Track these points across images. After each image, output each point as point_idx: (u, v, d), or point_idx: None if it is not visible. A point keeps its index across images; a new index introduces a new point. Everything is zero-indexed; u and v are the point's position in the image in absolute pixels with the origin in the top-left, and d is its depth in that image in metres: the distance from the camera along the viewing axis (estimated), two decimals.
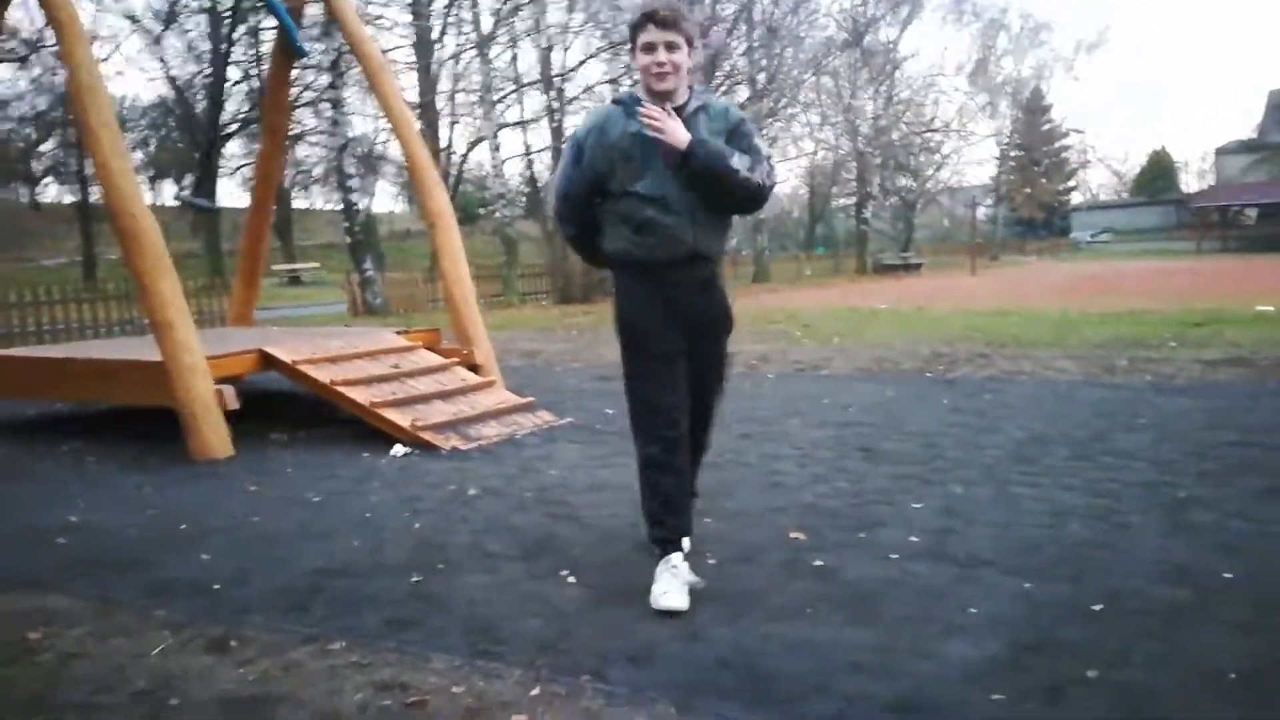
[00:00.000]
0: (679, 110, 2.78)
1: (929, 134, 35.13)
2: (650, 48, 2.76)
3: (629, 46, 2.90)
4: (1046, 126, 48.71)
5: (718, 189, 2.77)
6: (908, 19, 33.09)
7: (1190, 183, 56.51)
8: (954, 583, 2.92)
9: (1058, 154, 50.69)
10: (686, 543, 2.92)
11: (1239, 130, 55.53)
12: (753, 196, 2.83)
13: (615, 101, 2.92)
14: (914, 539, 3.36)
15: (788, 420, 5.60)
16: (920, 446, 4.84)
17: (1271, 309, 11.04)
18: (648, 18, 2.76)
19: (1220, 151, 53.32)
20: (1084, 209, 55.30)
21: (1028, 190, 44.89)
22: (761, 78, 25.96)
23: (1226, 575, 2.91)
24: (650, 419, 2.90)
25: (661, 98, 2.78)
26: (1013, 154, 44.30)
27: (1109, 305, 12.46)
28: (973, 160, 43.02)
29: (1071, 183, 54.37)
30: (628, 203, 2.82)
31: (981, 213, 44.32)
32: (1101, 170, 58.80)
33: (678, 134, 2.70)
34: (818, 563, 3.14)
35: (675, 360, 2.90)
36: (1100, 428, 5.20)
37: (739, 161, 2.75)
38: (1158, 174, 56.37)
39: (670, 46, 2.75)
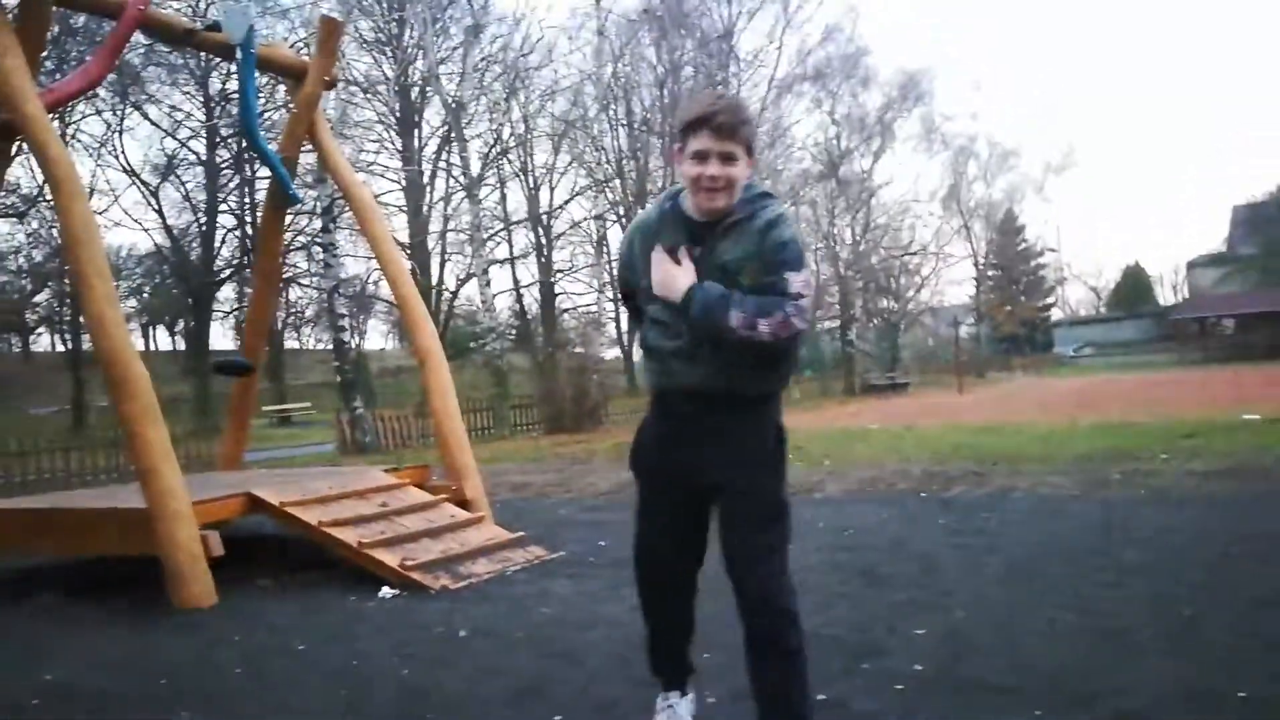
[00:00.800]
0: (717, 223, 2.37)
1: (907, 257, 36.06)
2: (702, 157, 2.30)
3: (676, 146, 2.42)
4: (1021, 246, 50.13)
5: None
6: (880, 150, 34.45)
7: (1165, 295, 57.87)
8: (965, 712, 2.82)
9: (1034, 272, 52.00)
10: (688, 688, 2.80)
11: (1208, 244, 57.23)
12: (759, 351, 2.32)
13: (665, 199, 2.52)
14: (919, 667, 3.27)
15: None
16: (920, 569, 4.76)
17: (1257, 417, 11.10)
18: (704, 121, 2.29)
19: (1191, 265, 54.74)
20: (1064, 324, 56.23)
21: (1008, 308, 45.80)
22: None
23: (1241, 694, 2.83)
24: (637, 554, 2.77)
25: (709, 215, 2.37)
26: (990, 273, 45.42)
27: (1097, 419, 12.52)
28: (952, 280, 44.21)
29: (1050, 299, 55.56)
30: (645, 325, 2.52)
31: (964, 331, 45.03)
32: (1078, 286, 60.27)
33: (674, 284, 2.35)
34: (821, 696, 3.03)
35: (671, 498, 2.59)
36: (1098, 543, 5.15)
37: (738, 315, 2.26)
38: (1133, 288, 57.67)
39: (726, 158, 2.29)
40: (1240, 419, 11.04)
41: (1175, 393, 18.38)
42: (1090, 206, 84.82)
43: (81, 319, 21.26)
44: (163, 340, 47.40)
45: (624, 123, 29.31)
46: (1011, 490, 7.26)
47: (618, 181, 29.27)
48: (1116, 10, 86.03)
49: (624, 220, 32.04)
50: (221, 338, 35.62)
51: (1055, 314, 56.84)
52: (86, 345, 29.03)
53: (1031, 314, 50.02)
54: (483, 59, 25.73)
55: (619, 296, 2.68)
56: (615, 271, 2.78)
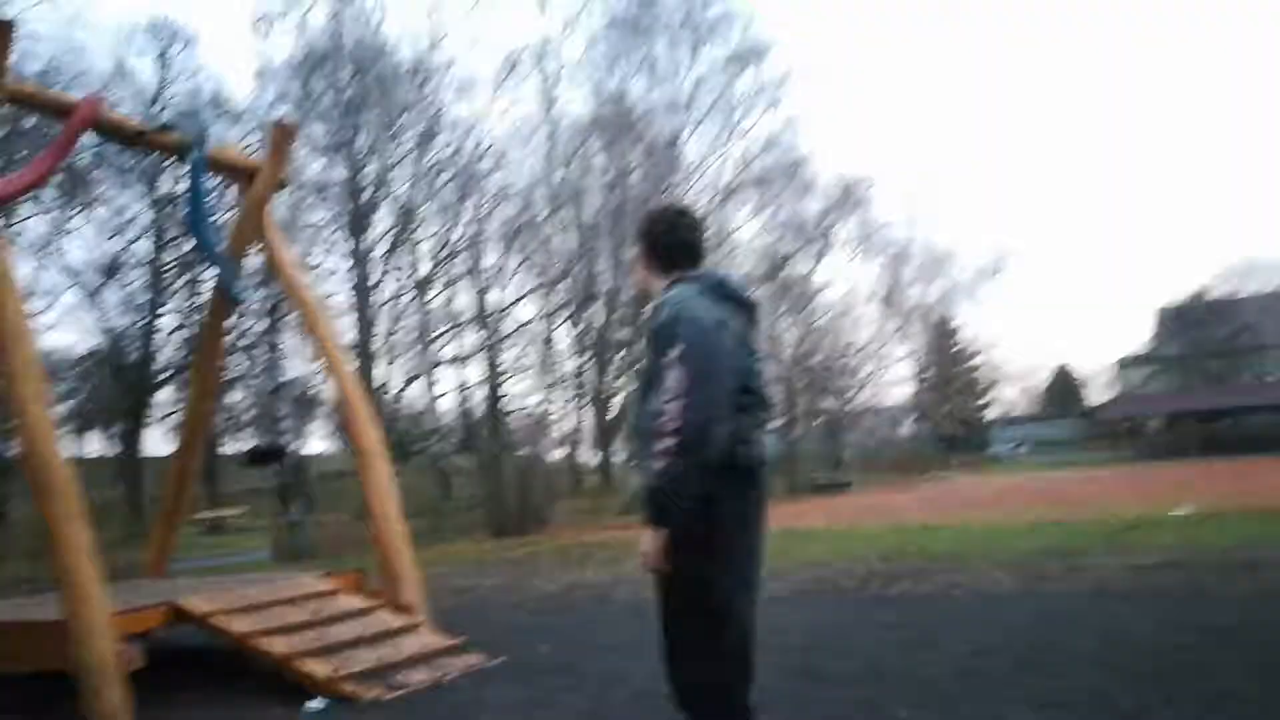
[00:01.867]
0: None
1: (847, 358, 36.78)
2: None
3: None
4: (956, 348, 51.46)
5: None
6: (820, 253, 35.52)
7: (1095, 394, 59.54)
8: None
9: (969, 373, 53.25)
10: None
11: (1134, 344, 59.43)
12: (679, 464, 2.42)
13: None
14: None
15: None
16: (863, 667, 4.72)
17: (1188, 512, 11.37)
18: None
19: (1121, 364, 56.68)
20: (1000, 423, 57.41)
21: (946, 407, 46.66)
22: None
23: None
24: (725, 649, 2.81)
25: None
26: (928, 374, 46.39)
27: (1035, 515, 12.70)
28: (892, 380, 44.86)
29: (986, 399, 56.78)
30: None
31: (904, 430, 45.71)
32: (1012, 386, 61.75)
33: (646, 545, 2.58)
34: None
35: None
36: (1040, 638, 5.17)
37: (656, 463, 2.43)
38: (1063, 388, 59.32)
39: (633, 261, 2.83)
40: (1172, 514, 11.30)
41: (1109, 489, 18.77)
42: (1021, 308, 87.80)
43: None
44: (97, 445, 45.87)
45: (573, 225, 29.88)
46: (954, 587, 7.28)
47: (566, 282, 29.63)
48: (1042, 124, 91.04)
49: (572, 320, 32.33)
50: (156, 442, 34.63)
51: (991, 413, 58.07)
52: (12, 451, 28.00)
53: (968, 413, 51.03)
54: (434, 164, 26.20)
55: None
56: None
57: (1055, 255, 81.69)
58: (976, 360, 53.13)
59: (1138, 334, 76.88)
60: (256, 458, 8.06)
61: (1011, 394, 61.76)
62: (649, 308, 2.66)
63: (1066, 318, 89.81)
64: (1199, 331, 49.02)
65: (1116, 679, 4.18)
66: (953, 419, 47.20)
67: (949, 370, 48.58)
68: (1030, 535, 10.19)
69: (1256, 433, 38.56)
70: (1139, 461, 36.37)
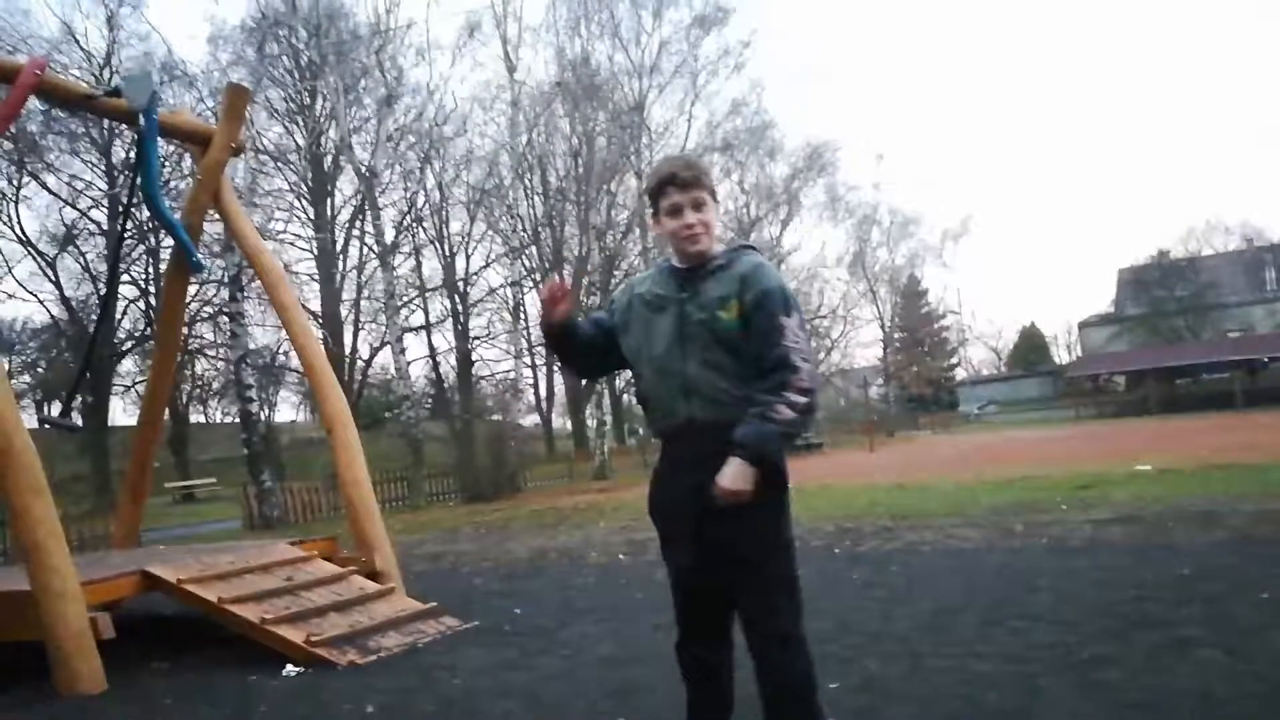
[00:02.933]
0: (701, 268, 2.52)
1: (817, 320, 36.98)
2: (676, 210, 2.51)
3: (649, 214, 2.65)
4: (925, 309, 51.93)
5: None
6: (788, 218, 35.54)
7: (1060, 354, 60.47)
8: None
9: (938, 334, 53.82)
10: None
11: (1097, 305, 60.31)
12: (803, 422, 2.42)
13: (657, 267, 2.68)
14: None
15: None
16: (833, 624, 4.80)
17: (1149, 467, 11.62)
18: (668, 181, 2.52)
19: (1083, 325, 57.52)
20: (968, 383, 58.16)
21: (914, 369, 47.16)
22: None
23: None
24: (677, 617, 2.65)
25: (696, 260, 2.53)
26: (897, 336, 46.81)
27: (1001, 473, 12.91)
28: (860, 343, 45.22)
29: (954, 359, 57.44)
30: (637, 378, 2.63)
31: (874, 391, 46.12)
32: (980, 347, 62.53)
33: (740, 482, 2.35)
34: None
35: (695, 540, 2.49)
36: (1004, 593, 5.28)
37: (784, 411, 2.35)
38: (1030, 348, 60.12)
39: (697, 205, 2.50)
40: (1134, 470, 11.54)
41: (1073, 447, 19.11)
42: (987, 271, 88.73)
43: None
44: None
45: (539, 191, 29.63)
46: (921, 544, 7.41)
47: (534, 249, 29.44)
48: (1006, 86, 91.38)
49: (539, 287, 32.19)
50: (122, 413, 34.16)
51: (959, 374, 58.76)
52: None
53: (936, 374, 51.62)
54: (396, 128, 25.78)
55: (550, 337, 2.73)
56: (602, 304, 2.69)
57: (1021, 217, 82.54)
58: (945, 321, 53.68)
59: (1102, 294, 77.90)
60: (53, 425, 7.97)
61: (979, 354, 62.63)
62: (719, 265, 2.50)
63: (1033, 279, 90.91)
64: (1161, 291, 49.84)
65: (1077, 630, 4.29)
66: (921, 379, 47.73)
67: (917, 331, 49.03)
68: (996, 493, 10.37)
69: (1216, 390, 39.40)
70: (1103, 419, 37.05)
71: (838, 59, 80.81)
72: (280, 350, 29.39)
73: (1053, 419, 39.57)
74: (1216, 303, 49.08)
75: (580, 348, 2.72)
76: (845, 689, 3.64)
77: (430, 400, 33.44)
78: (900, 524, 8.54)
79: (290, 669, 4.77)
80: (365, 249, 29.15)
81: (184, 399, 34.56)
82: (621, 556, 8.31)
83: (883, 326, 44.22)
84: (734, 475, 2.34)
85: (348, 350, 29.94)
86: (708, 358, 2.44)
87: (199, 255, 7.68)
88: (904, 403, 49.27)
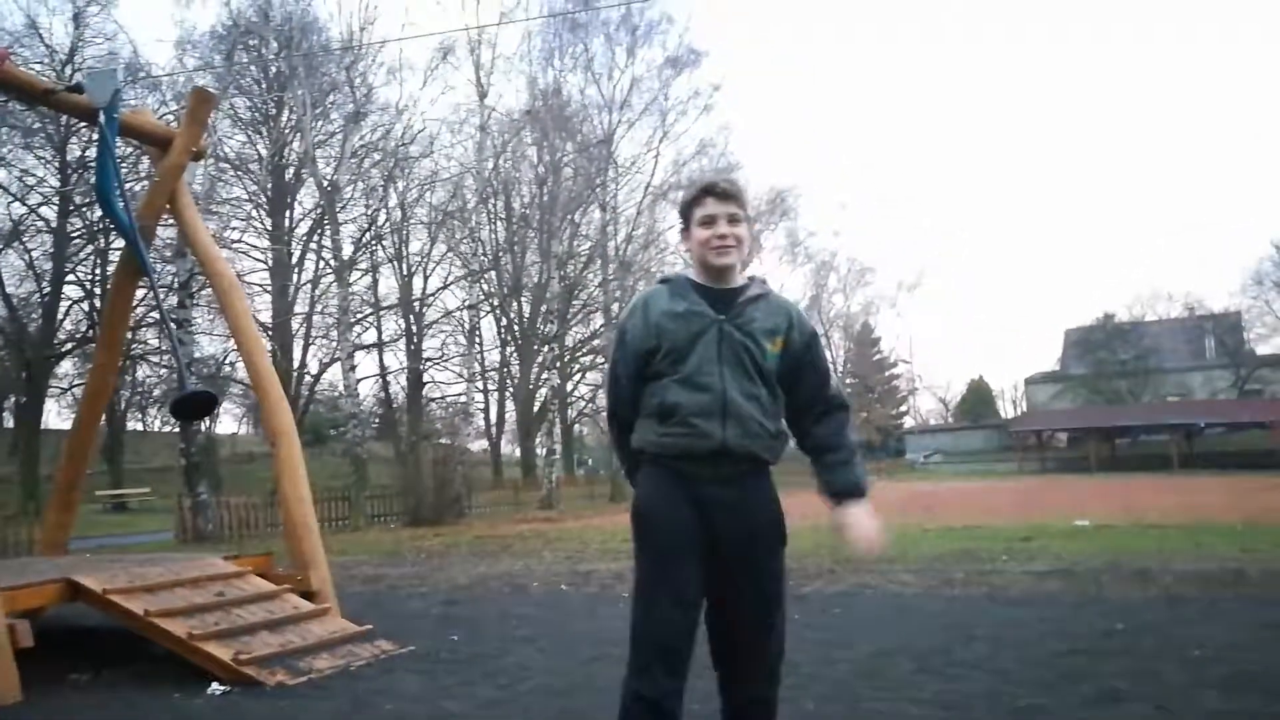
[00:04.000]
0: (735, 294, 2.48)
1: None
2: (710, 221, 2.47)
3: (681, 228, 2.61)
4: (877, 357, 52.73)
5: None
6: (748, 259, 35.90)
7: (1006, 409, 61.60)
8: None
9: (888, 382, 54.60)
10: None
11: (1043, 363, 61.74)
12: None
13: (662, 280, 2.61)
14: None
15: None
16: None
17: (1087, 523, 11.84)
18: (706, 191, 2.52)
19: (1029, 381, 58.74)
20: (915, 432, 58.96)
21: (864, 415, 47.74)
22: (615, 307, 27.24)
23: None
24: (641, 644, 2.41)
25: (721, 274, 2.49)
26: (849, 381, 47.39)
27: (944, 521, 13.06)
28: None
29: (903, 408, 58.31)
30: (659, 388, 2.45)
31: None
32: (929, 397, 63.52)
33: (869, 522, 2.51)
34: None
35: (690, 560, 2.39)
36: (942, 640, 5.31)
37: (851, 446, 2.57)
38: (977, 400, 61.18)
39: (733, 219, 2.48)
40: (1072, 525, 11.75)
41: (1015, 500, 19.41)
42: (939, 323, 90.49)
43: None
44: None
45: (502, 217, 29.62)
46: (863, 588, 7.45)
47: (493, 273, 29.36)
48: (964, 145, 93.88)
49: (498, 311, 32.08)
50: (56, 415, 33.18)
51: (907, 422, 59.58)
52: None
53: (886, 421, 52.29)
54: (362, 145, 25.66)
55: (609, 414, 2.66)
56: (608, 376, 2.63)
57: (974, 273, 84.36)
58: (896, 370, 54.46)
59: (1049, 352, 79.76)
60: (184, 408, 7.35)
61: (928, 404, 63.56)
62: (757, 294, 2.51)
63: (982, 334, 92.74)
64: (1104, 353, 51.15)
65: (1011, 680, 4.33)
66: (871, 426, 48.32)
67: (869, 379, 49.67)
68: (938, 540, 10.48)
69: (1154, 451, 40.40)
70: (1045, 474, 37.73)
71: (804, 107, 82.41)
72: (226, 361, 28.82)
73: (996, 471, 40.21)
74: (1157, 367, 50.48)
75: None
76: None
77: (377, 420, 32.99)
78: (844, 567, 8.58)
79: (216, 687, 4.62)
80: (322, 263, 28.83)
81: (122, 405, 33.69)
82: (564, 587, 8.23)
83: (835, 371, 44.71)
84: (871, 522, 2.50)
85: (296, 364, 29.45)
86: (747, 387, 2.41)
87: (149, 259, 7.52)
88: None
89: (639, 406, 2.51)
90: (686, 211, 2.55)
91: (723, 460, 2.39)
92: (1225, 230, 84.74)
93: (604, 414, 2.72)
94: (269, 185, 28.04)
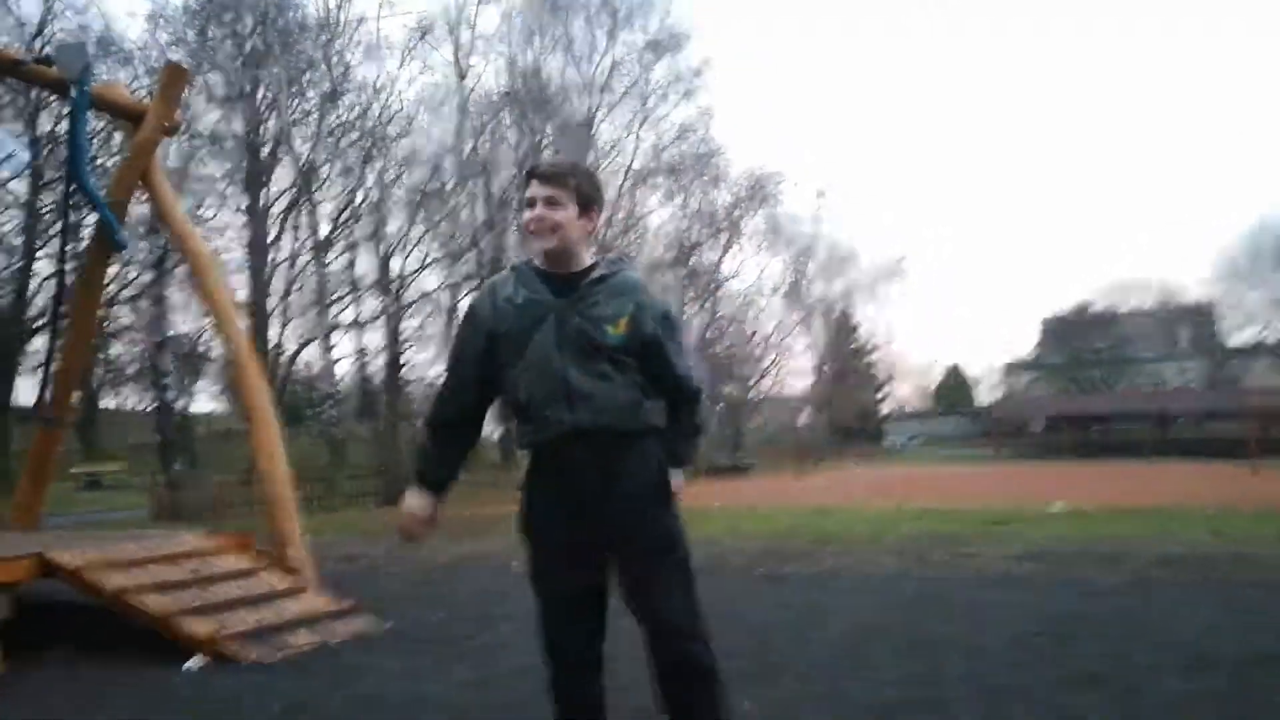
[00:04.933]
0: (579, 277, 2.47)
1: (751, 346, 37.40)
2: (530, 203, 2.47)
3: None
4: (856, 343, 52.87)
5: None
6: (728, 245, 35.92)
7: (983, 395, 62.09)
8: None
9: (867, 367, 54.82)
10: None
11: (1020, 350, 62.29)
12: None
13: (512, 268, 2.60)
14: None
15: (618, 620, 5.48)
16: (753, 644, 4.81)
17: (1061, 508, 11.99)
18: (530, 173, 2.52)
19: (1007, 368, 59.27)
20: (894, 417, 59.35)
21: (844, 400, 47.96)
22: None
23: None
24: (543, 634, 2.59)
25: (556, 260, 2.47)
26: (828, 366, 47.57)
27: (921, 505, 13.18)
28: (792, 372, 45.87)
29: (881, 393, 58.57)
30: (511, 382, 2.47)
31: (803, 419, 46.77)
32: (907, 383, 63.85)
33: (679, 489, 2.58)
34: None
35: (575, 560, 2.48)
36: (919, 620, 5.37)
37: (691, 433, 2.63)
38: (955, 387, 61.64)
39: (550, 202, 2.44)
40: (1047, 510, 11.89)
41: (991, 484, 19.62)
42: (917, 310, 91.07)
43: None
44: None
45: (482, 197, 29.41)
46: (841, 570, 7.50)
47: (473, 254, 29.18)
48: (943, 134, 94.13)
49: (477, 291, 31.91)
50: (28, 392, 32.73)
51: (885, 408, 59.92)
52: None
53: (864, 406, 52.56)
54: (339, 123, 25.37)
55: (467, 357, 2.56)
56: (449, 357, 2.65)
57: (952, 261, 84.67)
58: (874, 356, 54.70)
59: (1025, 340, 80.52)
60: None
61: (906, 390, 63.88)
62: (602, 275, 2.49)
63: (960, 321, 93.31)
64: (1080, 341, 51.67)
65: (987, 661, 4.38)
66: (849, 411, 48.55)
67: (848, 364, 49.87)
68: (916, 523, 10.57)
69: (1127, 439, 40.91)
70: (1020, 460, 38.09)
71: (787, 92, 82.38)
72: (201, 339, 28.53)
73: (973, 457, 40.56)
74: (1132, 356, 51.06)
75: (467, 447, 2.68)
76: (760, 709, 3.65)
77: (355, 400, 32.80)
78: (822, 549, 8.64)
79: (193, 664, 4.60)
80: (299, 242, 28.53)
81: (96, 383, 33.30)
82: (515, 564, 8.23)
83: (814, 357, 44.91)
84: (678, 484, 2.57)
85: (273, 343, 29.19)
86: (590, 367, 2.40)
87: (123, 234, 7.41)
88: (832, 432, 50.05)
89: (479, 394, 2.55)
90: (522, 194, 2.60)
91: (581, 442, 2.40)
92: (1200, 221, 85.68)
93: None
94: (244, 163, 27.68)
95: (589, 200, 2.49)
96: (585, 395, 2.38)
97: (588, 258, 2.52)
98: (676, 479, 2.56)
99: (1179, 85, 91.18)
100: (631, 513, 2.43)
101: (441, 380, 2.66)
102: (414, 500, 2.59)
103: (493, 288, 2.56)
